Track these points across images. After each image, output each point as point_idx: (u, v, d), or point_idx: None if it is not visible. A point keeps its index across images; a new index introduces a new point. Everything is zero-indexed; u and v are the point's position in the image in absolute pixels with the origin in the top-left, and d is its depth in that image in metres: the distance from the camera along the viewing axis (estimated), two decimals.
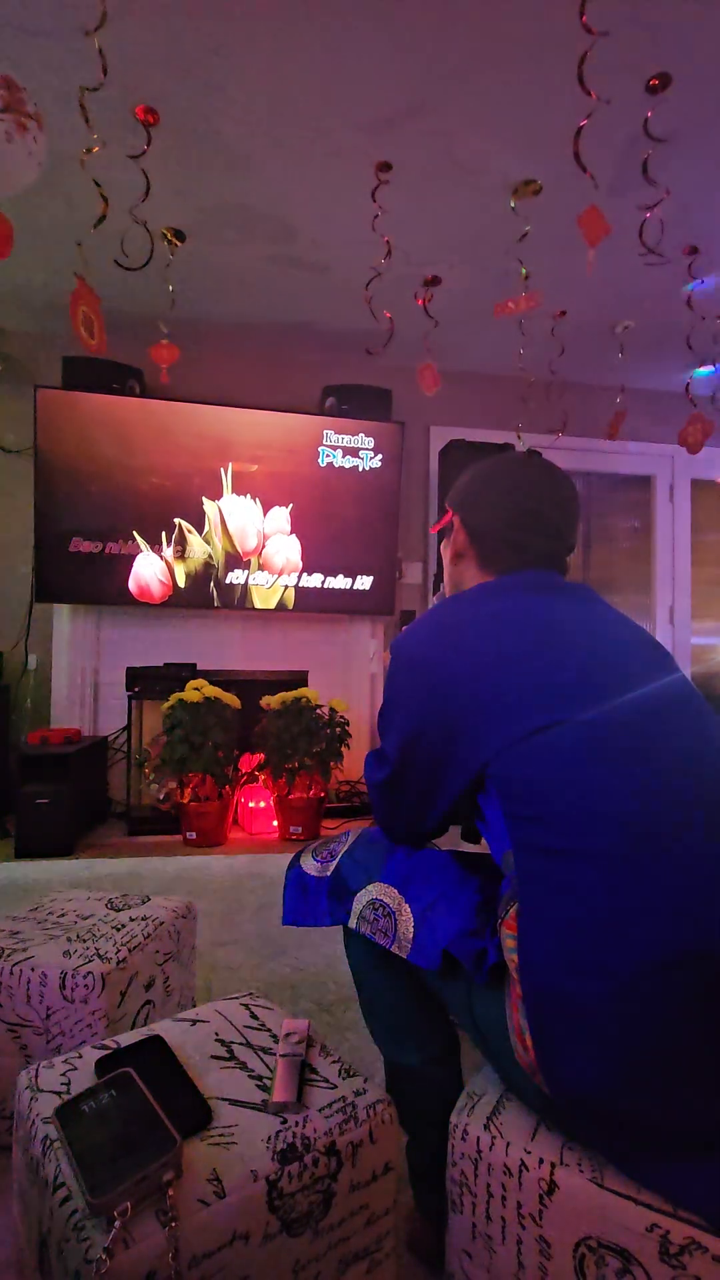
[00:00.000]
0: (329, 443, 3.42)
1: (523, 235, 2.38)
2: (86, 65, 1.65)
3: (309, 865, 1.04)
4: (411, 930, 0.85)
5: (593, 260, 1.90)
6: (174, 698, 2.90)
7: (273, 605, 3.43)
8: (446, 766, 0.81)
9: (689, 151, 2.13)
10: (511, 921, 0.74)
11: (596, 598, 0.88)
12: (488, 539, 0.94)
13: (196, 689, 2.89)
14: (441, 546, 1.04)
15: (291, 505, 3.41)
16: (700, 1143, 0.65)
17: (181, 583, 3.30)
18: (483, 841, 0.94)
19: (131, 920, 1.31)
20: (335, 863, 1.00)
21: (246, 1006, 0.98)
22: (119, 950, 1.18)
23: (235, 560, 3.36)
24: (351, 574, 3.49)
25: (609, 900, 0.67)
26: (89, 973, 1.11)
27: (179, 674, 3.11)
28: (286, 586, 3.43)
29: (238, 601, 3.37)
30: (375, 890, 0.92)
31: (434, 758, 0.82)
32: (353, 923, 0.93)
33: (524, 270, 2.49)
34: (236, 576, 3.36)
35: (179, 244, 2.62)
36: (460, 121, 2.03)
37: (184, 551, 3.29)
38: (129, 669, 3.17)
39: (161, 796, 3.07)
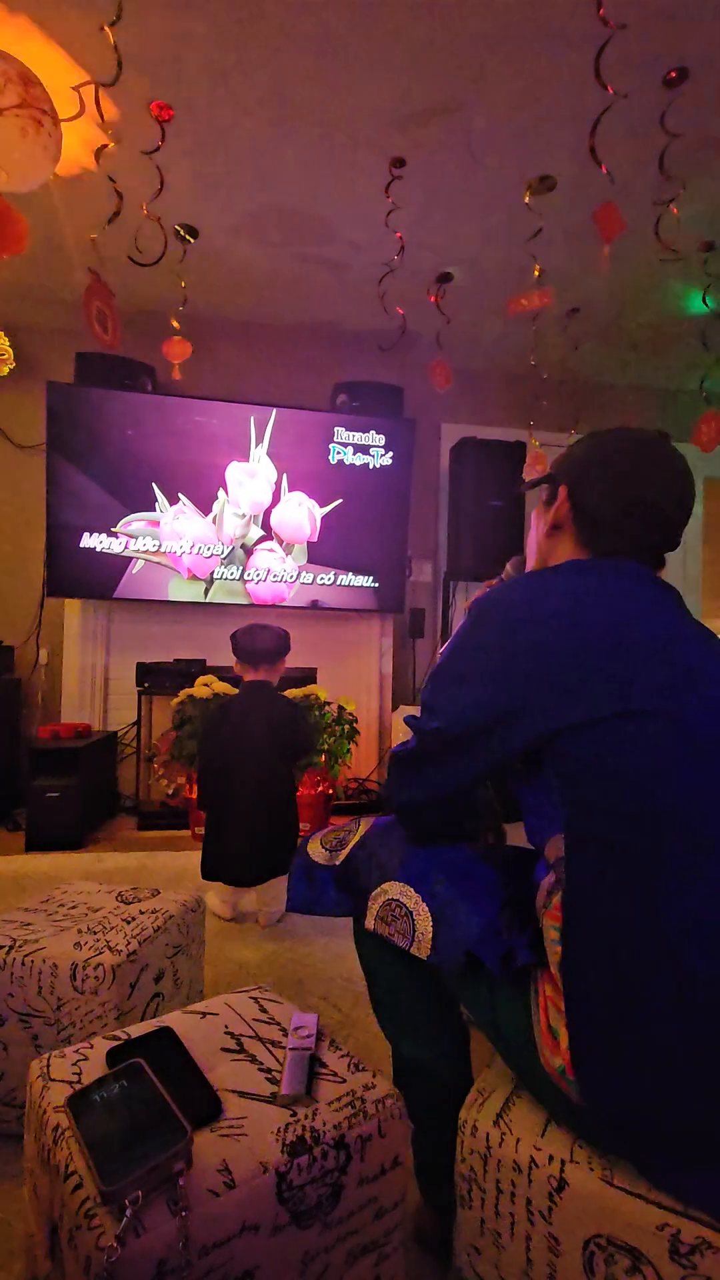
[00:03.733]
0: (340, 440, 3.42)
1: (536, 232, 2.37)
2: (102, 61, 1.65)
3: (317, 853, 1.03)
4: (430, 929, 0.84)
5: (608, 257, 1.89)
6: (183, 693, 2.90)
7: (283, 602, 3.43)
8: (508, 726, 0.76)
9: (706, 146, 2.11)
10: (556, 912, 0.72)
11: (682, 601, 0.84)
12: (595, 521, 0.87)
13: (206, 684, 2.90)
14: (535, 513, 0.97)
15: (302, 502, 3.41)
16: None
17: (192, 578, 3.31)
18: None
19: (141, 913, 1.32)
20: (345, 852, 0.99)
21: (255, 1000, 0.99)
22: (129, 943, 1.19)
23: (245, 556, 3.36)
24: (362, 571, 3.49)
25: (673, 905, 0.65)
26: (99, 964, 1.12)
27: (188, 669, 3.12)
28: (296, 582, 3.43)
29: (248, 597, 3.38)
30: (392, 890, 0.90)
31: (494, 716, 0.77)
32: (370, 924, 0.91)
33: (537, 267, 2.47)
34: (247, 573, 3.37)
35: (192, 240, 2.63)
36: (475, 117, 2.02)
37: (194, 547, 3.30)
38: (139, 664, 3.18)
39: (171, 791, 3.08)
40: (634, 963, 0.65)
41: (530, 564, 0.97)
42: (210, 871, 2.02)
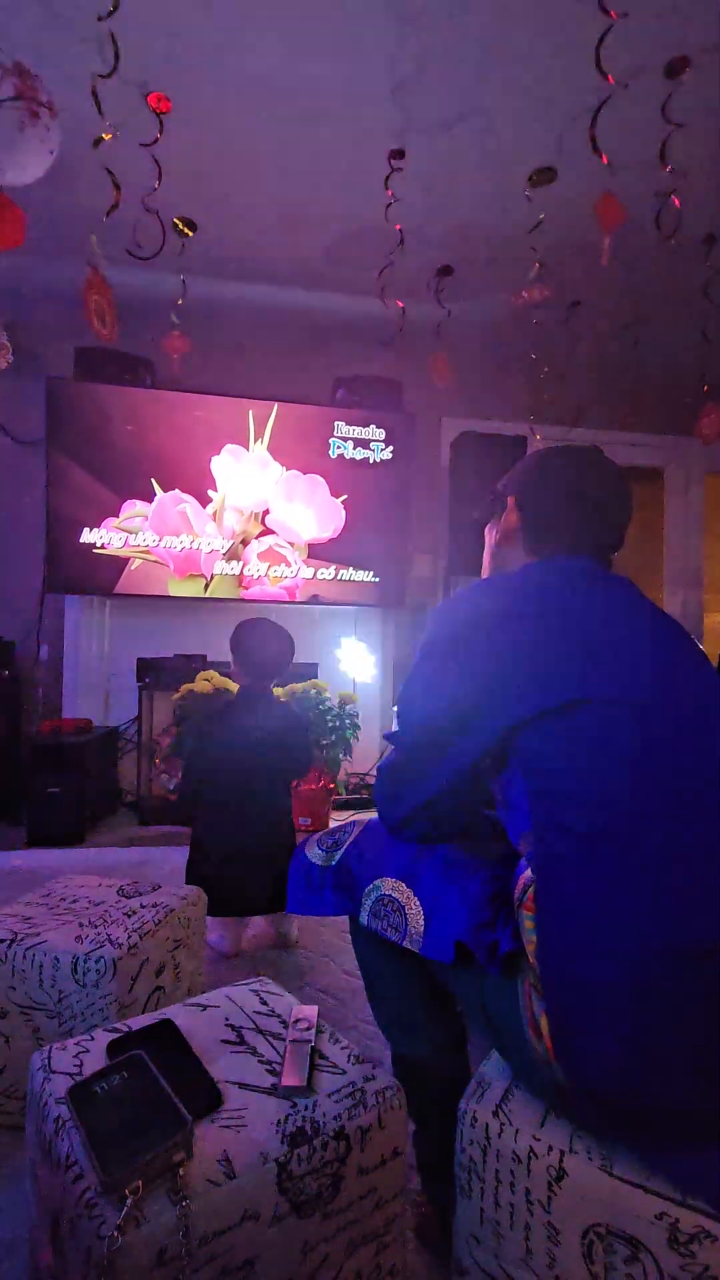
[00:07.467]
0: (340, 434, 3.41)
1: (537, 224, 2.36)
2: (100, 52, 1.64)
3: (314, 855, 1.04)
4: (422, 923, 0.85)
5: (609, 248, 1.88)
6: (184, 689, 2.91)
7: (283, 596, 3.43)
8: (469, 723, 0.79)
9: (707, 135, 2.10)
10: (530, 904, 0.74)
11: (640, 593, 0.87)
12: (541, 519, 0.93)
13: (206, 680, 2.90)
14: (487, 530, 1.03)
15: (302, 497, 3.40)
16: (715, 1131, 0.64)
17: (192, 573, 3.31)
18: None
19: (142, 907, 1.32)
20: (340, 853, 1.00)
21: (256, 992, 0.99)
22: (130, 936, 1.19)
23: (246, 551, 3.36)
24: (362, 566, 3.49)
25: (635, 886, 0.67)
26: (101, 958, 1.12)
27: (189, 665, 3.12)
28: (297, 577, 3.43)
29: (248, 592, 3.38)
30: (384, 885, 0.91)
31: (461, 715, 0.80)
32: (364, 919, 0.92)
33: (538, 260, 2.46)
34: (247, 568, 3.36)
35: (191, 234, 2.61)
36: (475, 109, 2.01)
37: (195, 542, 3.29)
38: (139, 660, 3.18)
39: (171, 787, 3.09)
40: (599, 946, 0.67)
41: (485, 576, 1.02)
42: (221, 905, 1.74)
